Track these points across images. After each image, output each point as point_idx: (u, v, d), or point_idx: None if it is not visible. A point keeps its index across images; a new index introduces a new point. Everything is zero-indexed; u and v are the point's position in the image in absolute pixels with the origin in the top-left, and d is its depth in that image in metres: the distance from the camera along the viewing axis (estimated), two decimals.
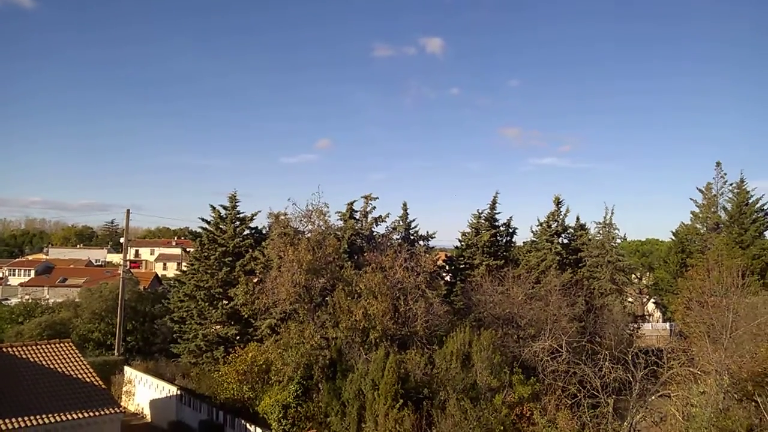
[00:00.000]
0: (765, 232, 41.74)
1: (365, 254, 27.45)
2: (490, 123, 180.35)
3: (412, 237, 35.76)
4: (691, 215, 44.90)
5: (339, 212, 32.88)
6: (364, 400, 18.64)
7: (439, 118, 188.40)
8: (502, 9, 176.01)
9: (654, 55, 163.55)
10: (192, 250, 36.71)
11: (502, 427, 17.84)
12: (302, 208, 26.10)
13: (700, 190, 44.65)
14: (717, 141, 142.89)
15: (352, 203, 33.16)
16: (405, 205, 36.18)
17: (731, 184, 43.24)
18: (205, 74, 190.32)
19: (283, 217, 26.28)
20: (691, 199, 44.95)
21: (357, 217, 33.12)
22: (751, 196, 41.76)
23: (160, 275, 71.36)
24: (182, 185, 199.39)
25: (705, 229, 43.73)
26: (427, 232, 36.40)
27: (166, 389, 27.11)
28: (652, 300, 53.33)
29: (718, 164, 44.29)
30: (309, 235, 26.05)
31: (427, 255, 29.88)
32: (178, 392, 26.34)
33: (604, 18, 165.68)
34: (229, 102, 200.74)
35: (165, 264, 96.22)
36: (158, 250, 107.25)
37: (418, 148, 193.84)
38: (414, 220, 36.17)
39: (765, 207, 41.50)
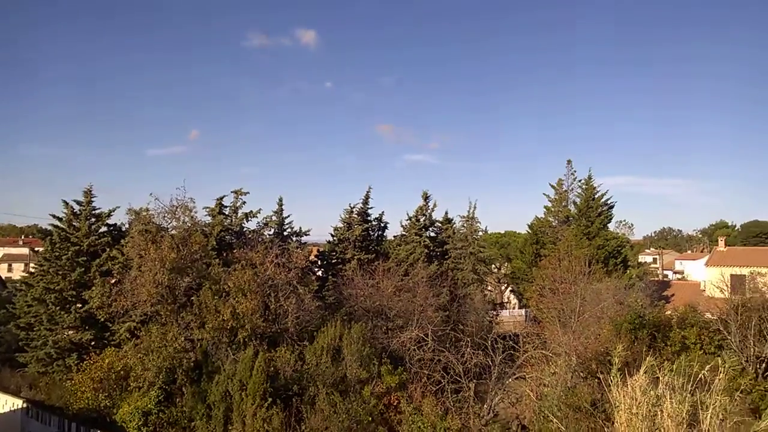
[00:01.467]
0: (608, 224, 45.94)
1: (235, 251, 26.74)
2: (364, 119, 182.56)
3: (285, 233, 35.42)
4: (545, 209, 48.34)
5: (207, 208, 31.80)
6: (232, 401, 18.19)
7: (314, 112, 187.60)
8: (376, 4, 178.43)
9: (518, 56, 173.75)
10: (41, 249, 33.72)
11: (370, 418, 18.20)
12: (166, 204, 24.92)
13: (553, 186, 48.15)
14: (568, 140, 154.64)
15: (221, 198, 32.19)
16: (281, 200, 35.83)
17: (580, 181, 47.09)
18: (63, 59, 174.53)
19: (144, 213, 24.93)
20: (544, 194, 48.40)
21: (227, 213, 32.20)
22: (597, 191, 45.71)
23: (4, 278, 64.88)
24: (32, 178, 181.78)
25: (557, 222, 47.25)
26: (301, 228, 36.27)
27: (9, 403, 24.73)
28: (510, 288, 56.80)
29: (569, 162, 48.07)
30: (173, 232, 24.92)
31: (300, 251, 29.77)
32: (24, 405, 24.11)
33: (476, 17, 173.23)
34: (87, 90, 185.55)
35: (10, 265, 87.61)
36: (2, 250, 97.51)
37: (292, 142, 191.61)
38: (289, 216, 35.90)
39: (609, 201, 45.62)
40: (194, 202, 25.78)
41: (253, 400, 17.44)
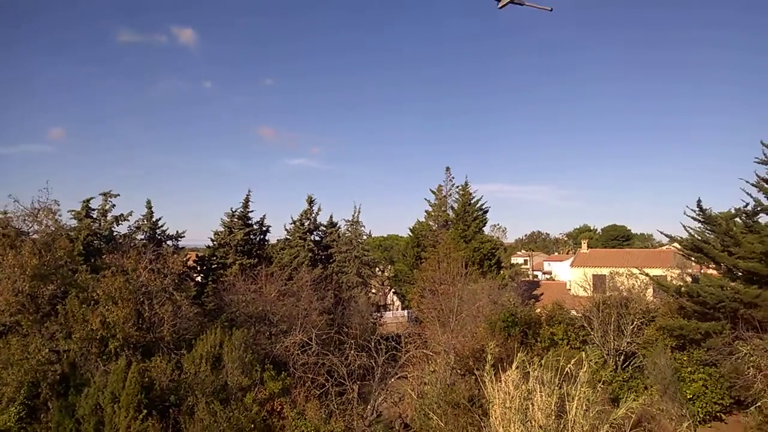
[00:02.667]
0: (483, 228, 48.12)
1: (104, 256, 25.15)
2: (246, 121, 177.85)
3: (159, 237, 33.84)
4: (426, 214, 49.75)
5: (73, 211, 29.69)
6: (103, 414, 17.08)
7: (193, 112, 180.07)
8: (257, 5, 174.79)
9: (394, 62, 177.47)
10: None
11: (252, 425, 17.81)
12: (27, 207, 23.00)
13: (433, 192, 49.68)
14: (447, 149, 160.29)
15: (88, 200, 30.18)
16: (149, 202, 34.09)
17: (458, 187, 48.93)
18: None
19: (1, 217, 22.86)
20: (425, 199, 49.82)
21: (94, 216, 30.23)
22: (473, 197, 47.71)
23: None
24: None
25: (437, 225, 48.75)
26: (177, 232, 34.83)
27: None
28: (393, 290, 57.88)
29: (448, 169, 49.85)
30: (35, 236, 23.04)
31: (176, 255, 28.56)
32: None
33: (363, 22, 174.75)
34: None
35: None
36: None
37: (168, 143, 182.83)
38: (161, 219, 34.30)
39: (483, 206, 47.77)
40: (58, 205, 23.99)
41: (126, 412, 16.47)
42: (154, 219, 33.93)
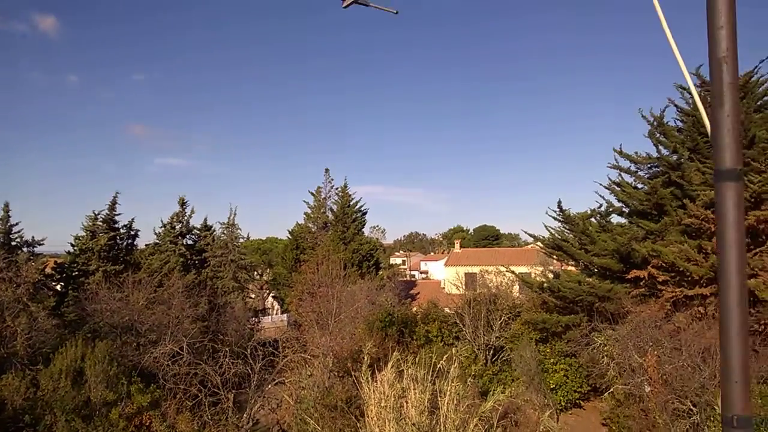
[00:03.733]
0: (363, 230, 48.72)
1: None
2: (114, 117, 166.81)
3: (13, 243, 31.00)
4: (305, 216, 49.53)
5: None
6: None
7: (54, 106, 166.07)
8: None
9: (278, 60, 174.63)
10: None
11: None
12: None
13: (312, 193, 49.56)
14: (324, 151, 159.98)
15: None
16: (6, 206, 31.17)
17: (337, 189, 49.15)
18: None
19: None
20: (304, 201, 49.58)
21: None
22: (353, 199, 48.17)
23: None
24: None
25: (316, 227, 48.67)
26: (33, 238, 32.07)
27: None
28: (272, 294, 57.03)
29: (327, 171, 49.93)
30: None
31: (32, 263, 26.32)
32: None
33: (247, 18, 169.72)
34: None
35: None
36: None
37: (24, 141, 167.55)
38: (18, 224, 31.46)
39: (362, 208, 48.35)
40: None
41: None
42: (10, 224, 31.06)
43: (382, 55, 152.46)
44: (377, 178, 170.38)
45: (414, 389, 13.79)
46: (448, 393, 13.52)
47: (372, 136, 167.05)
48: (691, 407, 16.40)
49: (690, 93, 27.12)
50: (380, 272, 47.37)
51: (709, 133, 1.24)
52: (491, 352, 28.01)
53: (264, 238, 74.24)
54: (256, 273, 58.00)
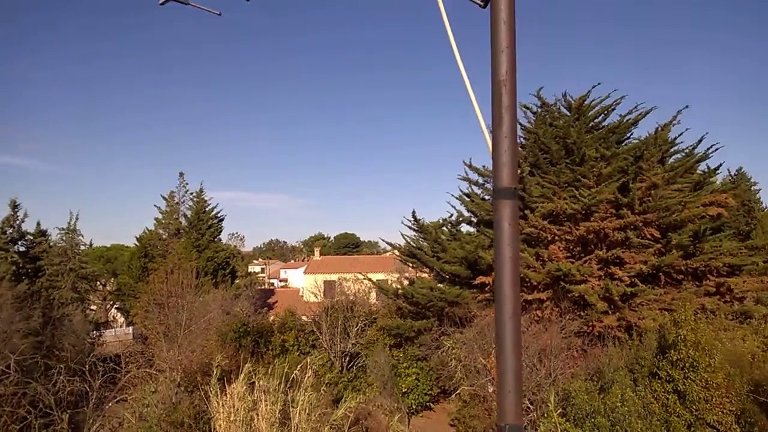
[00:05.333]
0: (219, 237, 47.12)
1: None
2: None
3: None
4: (155, 221, 46.91)
5: None
6: None
7: None
8: None
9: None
10: None
11: None
12: None
13: (164, 198, 47.10)
14: (180, 152, 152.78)
15: None
16: None
17: (192, 193, 47.14)
18: None
19: None
20: (155, 206, 46.96)
21: None
22: (209, 204, 46.46)
23: None
24: None
25: (167, 234, 46.28)
26: None
27: None
28: (116, 306, 53.38)
29: (181, 174, 47.76)
30: None
31: None
32: None
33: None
34: None
35: None
36: None
37: None
38: None
39: (219, 215, 46.79)
40: None
41: None
42: None
43: (254, 64, 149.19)
44: (238, 183, 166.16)
45: (265, 401, 13.51)
46: (301, 403, 13.41)
47: (234, 140, 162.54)
48: (529, 405, 17.58)
49: (532, 112, 29.37)
50: (237, 281, 46.09)
51: (490, 153, 1.29)
52: (347, 359, 28.24)
53: (109, 245, 69.28)
54: (98, 283, 53.94)
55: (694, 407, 14.81)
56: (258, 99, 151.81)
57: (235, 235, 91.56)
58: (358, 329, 28.49)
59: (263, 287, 65.17)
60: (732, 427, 14.71)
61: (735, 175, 39.37)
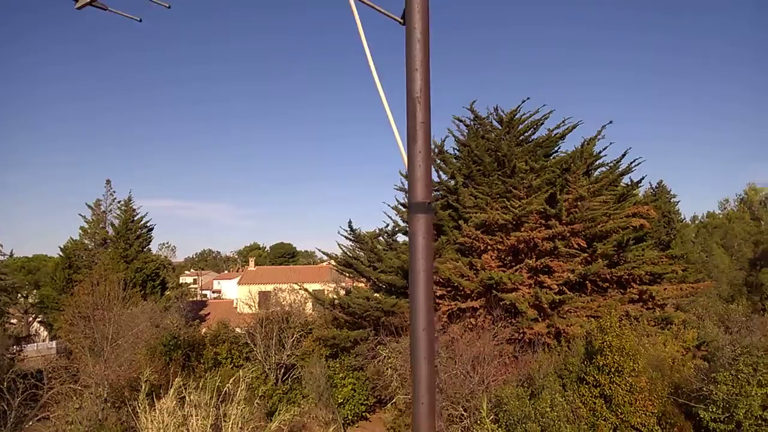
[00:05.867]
0: (148, 247, 45.66)
1: None
2: None
3: None
4: (80, 231, 45.00)
5: None
6: None
7: None
8: None
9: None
10: None
11: None
12: None
13: (90, 206, 45.26)
14: (108, 158, 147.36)
15: None
16: None
17: (120, 202, 45.48)
18: None
19: None
20: (80, 215, 45.04)
21: None
22: (137, 213, 44.93)
23: None
24: None
25: (94, 244, 44.48)
26: None
27: None
28: (38, 319, 50.79)
29: (108, 182, 46.02)
30: None
31: None
32: None
33: None
34: None
35: None
36: None
37: None
38: None
39: (148, 224, 45.33)
40: None
41: None
42: None
43: (182, 69, 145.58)
44: (170, 191, 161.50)
45: (196, 416, 13.15)
46: (233, 417, 13.12)
47: (166, 147, 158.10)
48: (463, 412, 17.85)
49: (466, 125, 30.01)
50: (167, 292, 44.73)
51: (405, 167, 1.33)
52: (282, 370, 27.84)
53: (31, 256, 65.82)
54: (19, 295, 51.17)
55: (619, 410, 15.40)
56: (191, 105, 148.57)
57: (166, 245, 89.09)
58: (293, 340, 28.16)
59: (195, 299, 63.60)
60: (654, 429, 15.38)
61: (656, 188, 41.35)
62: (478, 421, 15.84)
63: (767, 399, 13.89)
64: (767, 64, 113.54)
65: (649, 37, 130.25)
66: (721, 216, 59.27)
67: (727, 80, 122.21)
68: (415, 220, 1.34)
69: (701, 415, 14.84)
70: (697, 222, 57.15)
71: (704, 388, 15.39)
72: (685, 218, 50.28)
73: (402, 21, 1.45)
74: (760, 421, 13.71)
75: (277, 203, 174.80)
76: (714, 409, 14.56)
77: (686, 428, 15.64)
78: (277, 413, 15.57)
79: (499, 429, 15.07)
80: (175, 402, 13.58)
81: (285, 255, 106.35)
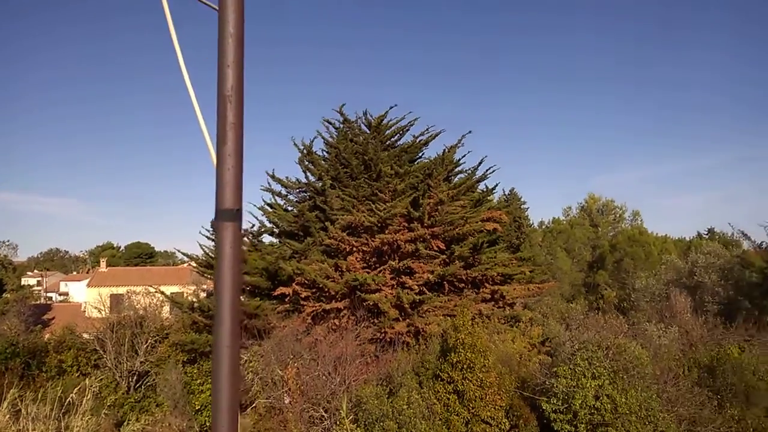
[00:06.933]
0: None
1: None
2: None
3: None
4: None
5: None
6: None
7: None
8: None
9: None
10: None
11: None
12: None
13: None
14: None
15: None
16: None
17: None
18: None
19: None
20: None
21: None
22: None
23: None
24: None
25: None
26: None
27: None
28: None
29: None
30: None
31: None
32: None
33: None
34: None
35: None
36: None
37: None
38: None
39: None
40: None
41: None
42: None
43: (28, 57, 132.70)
44: (11, 182, 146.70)
45: (33, 430, 12.06)
46: (77, 429, 12.19)
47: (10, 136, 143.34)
48: (323, 413, 17.89)
49: (335, 127, 30.14)
50: (6, 295, 40.67)
51: (215, 171, 1.29)
52: (135, 378, 26.29)
53: None
54: None
55: (471, 405, 16.22)
56: (40, 93, 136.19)
57: (6, 242, 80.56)
58: (147, 346, 26.68)
59: (38, 302, 58.24)
60: (502, 421, 16.36)
61: (508, 194, 44.05)
62: (338, 422, 15.96)
63: (599, 390, 15.28)
64: (599, 88, 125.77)
65: (507, 58, 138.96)
66: (564, 222, 64.62)
67: (573, 103, 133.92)
68: (222, 228, 1.29)
69: (544, 407, 16.03)
70: (543, 227, 61.88)
71: (547, 382, 16.64)
72: (533, 223, 54.25)
73: (216, 7, 1.39)
74: (593, 410, 15.05)
75: (132, 200, 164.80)
76: (555, 401, 15.78)
77: (531, 420, 16.81)
78: (126, 423, 14.71)
79: (358, 429, 15.28)
80: (8, 416, 12.38)
81: (141, 255, 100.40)
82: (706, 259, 36.06)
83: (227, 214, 1.26)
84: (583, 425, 14.93)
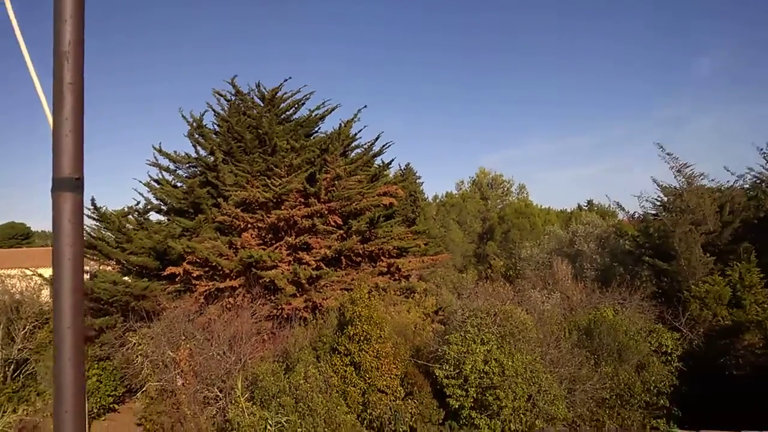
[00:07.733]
0: None
1: None
2: None
3: None
4: None
5: None
6: None
7: None
8: None
9: None
10: None
11: None
12: None
13: None
14: None
15: None
16: None
17: None
18: None
19: None
20: None
21: None
22: None
23: None
24: None
25: None
26: None
27: None
28: None
29: None
30: None
31: None
32: None
33: None
34: None
35: None
36: None
37: None
38: None
39: None
40: None
41: None
42: None
43: None
44: None
45: None
46: None
47: None
48: (218, 393, 17.53)
49: (227, 100, 29.08)
50: None
51: (51, 136, 1.15)
52: (12, 366, 24.47)
53: None
54: None
55: (367, 376, 16.48)
56: None
57: None
58: (25, 332, 24.87)
59: None
60: (397, 390, 16.77)
61: (404, 169, 44.70)
62: (233, 401, 15.71)
63: (488, 354, 15.99)
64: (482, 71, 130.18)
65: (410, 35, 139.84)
66: (457, 195, 66.65)
67: (470, 83, 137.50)
68: (60, 198, 1.15)
69: (437, 374, 16.57)
70: (437, 201, 63.51)
71: (439, 349, 17.20)
72: (428, 197, 55.51)
73: None
74: (482, 374, 15.74)
75: (7, 179, 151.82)
76: (447, 367, 16.36)
77: (425, 386, 17.34)
78: (1, 414, 13.73)
79: (254, 406, 15.12)
80: None
81: (17, 236, 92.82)
82: (585, 229, 38.56)
83: (66, 183, 1.12)
84: (473, 389, 15.60)
